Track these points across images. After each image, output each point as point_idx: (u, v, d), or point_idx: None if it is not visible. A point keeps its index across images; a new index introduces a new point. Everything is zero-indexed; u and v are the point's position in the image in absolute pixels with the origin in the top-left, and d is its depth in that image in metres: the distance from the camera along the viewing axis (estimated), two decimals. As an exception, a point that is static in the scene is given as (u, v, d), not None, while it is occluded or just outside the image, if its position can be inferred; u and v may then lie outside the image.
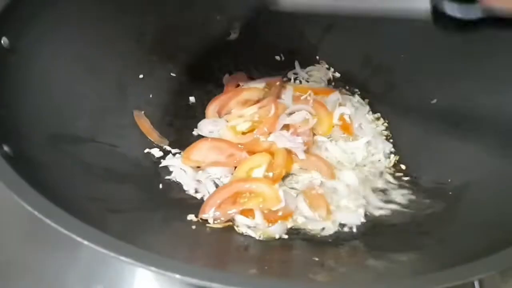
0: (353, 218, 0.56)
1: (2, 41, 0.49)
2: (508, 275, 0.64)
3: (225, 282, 0.32)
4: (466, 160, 0.57)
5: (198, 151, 0.62)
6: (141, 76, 0.67)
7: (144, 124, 0.64)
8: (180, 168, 0.61)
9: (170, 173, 0.61)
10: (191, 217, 0.55)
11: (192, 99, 0.71)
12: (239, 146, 0.63)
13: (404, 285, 0.33)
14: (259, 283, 0.32)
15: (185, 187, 0.59)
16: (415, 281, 0.34)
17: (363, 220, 0.56)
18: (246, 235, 0.53)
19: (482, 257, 0.35)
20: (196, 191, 0.59)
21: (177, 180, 0.60)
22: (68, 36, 0.57)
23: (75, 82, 0.57)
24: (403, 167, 0.63)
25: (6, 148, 0.42)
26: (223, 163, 0.61)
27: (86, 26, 0.60)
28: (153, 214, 0.52)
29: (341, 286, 0.32)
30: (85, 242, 0.35)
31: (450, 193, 0.55)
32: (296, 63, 0.77)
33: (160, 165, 0.61)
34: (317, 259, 0.49)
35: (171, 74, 0.71)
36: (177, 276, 0.32)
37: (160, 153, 0.62)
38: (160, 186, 0.58)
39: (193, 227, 0.53)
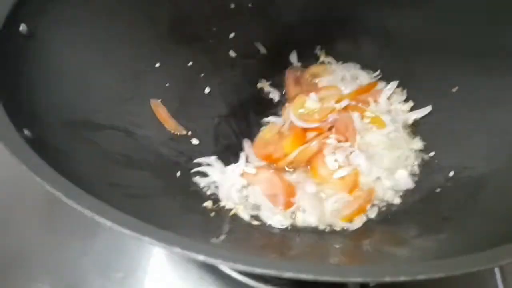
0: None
1: (20, 28, 0.49)
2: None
3: (249, 264, 0.31)
4: (490, 147, 0.55)
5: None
6: (157, 65, 0.67)
7: (161, 112, 0.64)
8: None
9: (189, 162, 0.61)
10: (207, 203, 0.55)
11: (207, 89, 0.71)
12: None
13: (421, 268, 0.32)
14: (281, 266, 0.31)
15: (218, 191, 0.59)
16: (432, 265, 0.33)
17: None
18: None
19: (501, 245, 0.34)
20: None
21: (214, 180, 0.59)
22: (84, 23, 0.57)
23: (91, 69, 0.57)
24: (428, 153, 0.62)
25: (26, 132, 0.42)
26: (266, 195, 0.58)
27: (102, 13, 0.59)
28: (171, 201, 0.51)
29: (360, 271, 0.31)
30: (107, 223, 0.34)
31: (473, 180, 0.54)
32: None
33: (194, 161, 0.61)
34: (337, 246, 0.49)
35: (188, 63, 0.70)
36: (201, 257, 0.31)
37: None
38: (178, 174, 0.58)
39: (212, 214, 0.52)
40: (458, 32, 0.63)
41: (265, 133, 0.67)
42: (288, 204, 0.57)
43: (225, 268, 0.57)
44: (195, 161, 0.61)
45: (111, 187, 0.47)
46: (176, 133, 0.63)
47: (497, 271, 0.57)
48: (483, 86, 0.60)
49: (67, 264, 0.60)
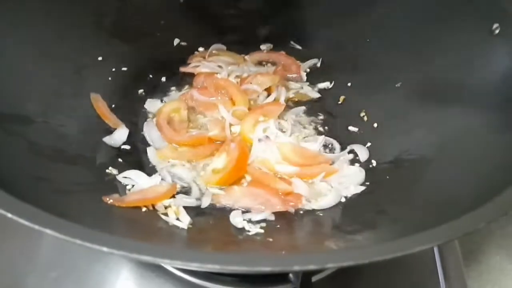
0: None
1: None
2: (470, 259, 0.64)
3: (155, 255, 0.30)
4: (426, 141, 0.56)
5: (229, 196, 0.55)
6: (100, 58, 0.66)
7: (101, 107, 0.62)
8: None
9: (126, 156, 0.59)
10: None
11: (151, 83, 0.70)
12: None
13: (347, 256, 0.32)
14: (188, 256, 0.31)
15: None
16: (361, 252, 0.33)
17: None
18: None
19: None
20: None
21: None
22: (19, 17, 0.56)
23: (27, 62, 0.56)
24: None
25: None
26: (256, 208, 0.53)
27: (40, 6, 0.58)
28: (101, 196, 0.50)
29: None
30: (20, 220, 0.33)
31: (409, 171, 0.54)
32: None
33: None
34: (271, 239, 0.49)
35: (131, 57, 0.69)
36: (105, 249, 0.30)
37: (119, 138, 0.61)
38: (110, 170, 0.56)
39: (143, 209, 0.51)
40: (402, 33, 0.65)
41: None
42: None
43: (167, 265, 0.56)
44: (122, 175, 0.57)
45: (37, 181, 0.46)
46: (115, 127, 0.62)
47: (440, 270, 0.58)
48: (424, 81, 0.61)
49: (3, 265, 0.58)
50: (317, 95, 0.70)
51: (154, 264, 0.56)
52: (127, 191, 0.54)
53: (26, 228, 0.57)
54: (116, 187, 0.53)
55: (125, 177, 0.55)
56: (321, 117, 0.67)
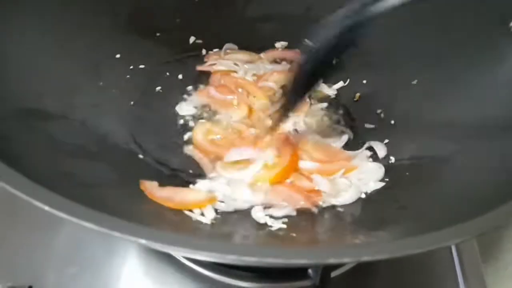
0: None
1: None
2: (486, 255, 0.65)
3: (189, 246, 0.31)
4: (443, 138, 0.56)
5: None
6: (118, 56, 0.66)
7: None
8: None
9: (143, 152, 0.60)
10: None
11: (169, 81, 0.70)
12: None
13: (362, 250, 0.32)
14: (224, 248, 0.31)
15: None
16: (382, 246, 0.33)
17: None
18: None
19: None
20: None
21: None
22: (39, 11, 0.56)
23: (46, 58, 0.56)
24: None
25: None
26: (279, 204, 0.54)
27: (59, 2, 0.59)
28: (126, 191, 0.50)
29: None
30: (54, 211, 0.33)
31: (428, 168, 0.54)
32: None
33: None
34: (294, 234, 0.49)
35: (148, 55, 0.69)
36: (143, 241, 0.31)
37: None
38: (135, 164, 0.57)
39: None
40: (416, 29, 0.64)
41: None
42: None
43: (187, 261, 0.57)
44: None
45: (62, 176, 0.46)
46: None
47: (457, 266, 0.58)
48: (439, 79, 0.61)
49: (23, 259, 0.58)
50: (334, 92, 0.70)
51: (172, 259, 0.57)
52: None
53: (43, 224, 0.60)
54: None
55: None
56: (338, 114, 0.67)
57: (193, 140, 0.62)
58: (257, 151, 0.59)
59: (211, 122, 0.65)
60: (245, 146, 0.60)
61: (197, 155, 0.60)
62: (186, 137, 0.63)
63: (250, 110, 0.66)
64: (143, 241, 0.30)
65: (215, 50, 0.75)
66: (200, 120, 0.65)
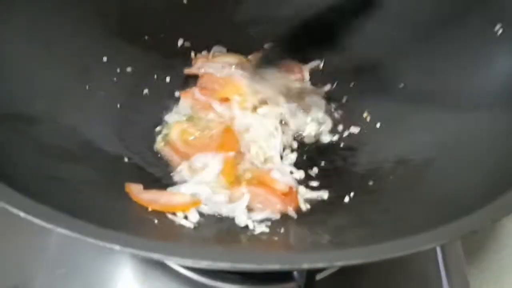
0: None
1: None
2: (471, 256, 0.65)
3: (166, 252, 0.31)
4: (428, 141, 0.57)
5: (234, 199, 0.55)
6: (105, 59, 0.66)
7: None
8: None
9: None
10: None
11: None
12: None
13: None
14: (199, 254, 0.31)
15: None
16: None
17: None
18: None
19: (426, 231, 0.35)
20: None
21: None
22: (26, 16, 0.56)
23: (33, 62, 0.56)
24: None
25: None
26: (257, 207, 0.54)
27: (45, 6, 0.58)
28: (110, 195, 0.51)
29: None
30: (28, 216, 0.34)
31: (412, 171, 0.55)
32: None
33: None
34: (276, 238, 0.49)
35: (136, 58, 0.69)
36: (117, 247, 0.31)
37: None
38: (120, 168, 0.57)
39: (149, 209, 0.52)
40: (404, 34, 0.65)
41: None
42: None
43: (171, 262, 0.57)
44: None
45: (47, 180, 0.47)
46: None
47: (442, 267, 0.59)
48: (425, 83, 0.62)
49: (12, 263, 0.59)
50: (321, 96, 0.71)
51: (160, 262, 0.57)
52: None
53: (34, 226, 0.59)
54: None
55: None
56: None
57: (168, 138, 0.63)
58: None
59: (189, 122, 0.65)
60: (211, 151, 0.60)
61: (168, 153, 0.61)
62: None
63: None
64: (117, 247, 0.31)
65: (203, 52, 0.75)
66: (178, 119, 0.66)
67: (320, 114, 0.67)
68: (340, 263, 0.32)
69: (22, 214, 0.34)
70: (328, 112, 0.68)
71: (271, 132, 0.62)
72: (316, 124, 0.66)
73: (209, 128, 0.64)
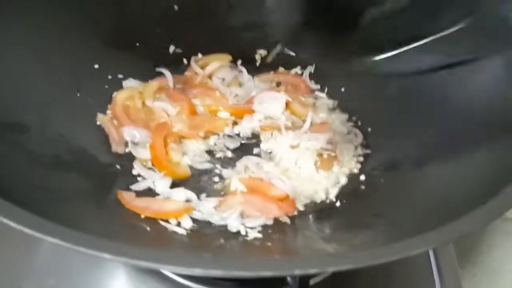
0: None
1: None
2: (464, 260, 0.65)
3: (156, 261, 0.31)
4: (422, 146, 0.57)
5: (226, 204, 0.55)
6: (96, 66, 0.66)
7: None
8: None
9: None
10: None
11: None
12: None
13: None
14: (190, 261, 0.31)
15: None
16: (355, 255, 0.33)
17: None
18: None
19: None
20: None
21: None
22: (17, 25, 0.56)
23: (24, 70, 0.56)
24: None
25: None
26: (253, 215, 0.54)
27: (37, 14, 0.58)
28: (101, 202, 0.50)
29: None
30: (26, 230, 0.33)
31: (403, 176, 0.55)
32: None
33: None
34: (269, 244, 0.49)
35: (127, 65, 0.69)
36: (106, 255, 0.31)
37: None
38: (112, 175, 0.57)
39: (142, 216, 0.52)
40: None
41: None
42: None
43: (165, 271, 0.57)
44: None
45: (37, 189, 0.46)
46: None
47: (435, 271, 0.59)
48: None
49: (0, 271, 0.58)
50: (332, 103, 0.71)
51: (152, 270, 0.57)
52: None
53: (23, 235, 0.59)
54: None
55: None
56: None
57: (112, 102, 0.65)
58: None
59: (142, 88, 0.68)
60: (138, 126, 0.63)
61: (108, 128, 0.62)
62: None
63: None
64: (108, 256, 0.30)
65: (194, 57, 0.75)
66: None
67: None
68: (332, 269, 0.32)
69: (12, 224, 0.34)
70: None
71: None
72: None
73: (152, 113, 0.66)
